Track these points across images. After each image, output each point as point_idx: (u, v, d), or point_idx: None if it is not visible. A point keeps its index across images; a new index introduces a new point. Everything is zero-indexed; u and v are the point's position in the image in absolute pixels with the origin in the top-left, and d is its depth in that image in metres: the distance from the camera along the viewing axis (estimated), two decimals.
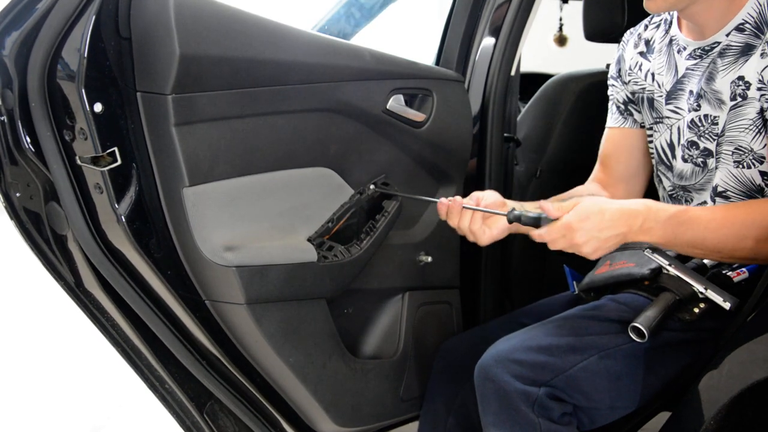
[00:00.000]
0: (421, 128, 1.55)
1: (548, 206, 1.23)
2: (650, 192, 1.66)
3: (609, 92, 1.60)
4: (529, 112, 2.15)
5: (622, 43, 1.57)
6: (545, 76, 2.31)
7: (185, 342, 1.34)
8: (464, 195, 1.73)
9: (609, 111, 1.60)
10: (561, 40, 2.30)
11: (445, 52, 1.78)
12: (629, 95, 1.54)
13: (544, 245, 1.28)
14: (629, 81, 1.53)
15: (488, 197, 1.37)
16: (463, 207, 1.34)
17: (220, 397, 1.40)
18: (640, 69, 1.50)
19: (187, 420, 1.44)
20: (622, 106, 1.56)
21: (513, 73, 1.83)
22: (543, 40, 2.28)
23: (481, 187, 1.80)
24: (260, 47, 1.25)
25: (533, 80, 2.36)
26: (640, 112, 1.53)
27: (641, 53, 1.51)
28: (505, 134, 1.86)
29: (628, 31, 1.57)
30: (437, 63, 1.79)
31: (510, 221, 1.28)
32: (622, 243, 1.22)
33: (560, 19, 2.29)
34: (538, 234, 1.24)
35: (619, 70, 1.56)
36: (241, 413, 1.42)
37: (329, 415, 1.41)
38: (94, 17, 1.10)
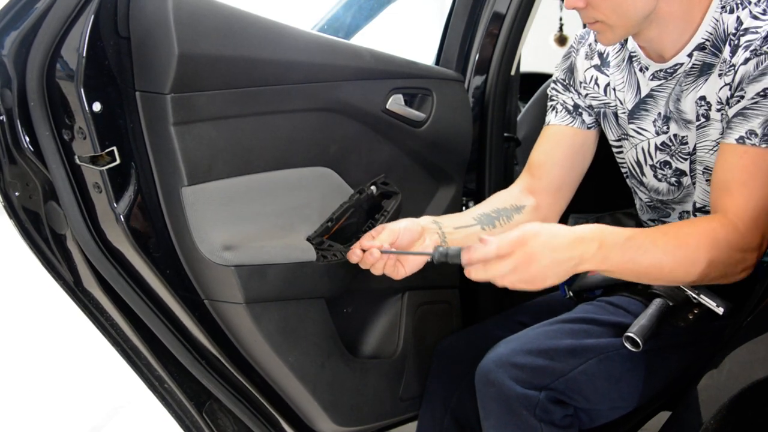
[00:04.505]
0: (420, 128, 1.55)
1: (490, 238, 1.13)
2: (619, 202, 1.66)
3: (552, 95, 1.52)
4: (529, 112, 2.15)
5: (571, 48, 1.51)
6: (545, 76, 2.32)
7: (184, 341, 1.34)
8: (464, 195, 1.74)
9: (551, 111, 1.51)
10: (561, 40, 2.29)
11: (445, 52, 1.78)
12: (585, 107, 1.48)
13: None
14: (586, 95, 1.47)
15: (404, 231, 1.27)
16: (383, 252, 1.24)
17: (219, 397, 1.40)
18: (596, 83, 1.45)
19: (186, 419, 1.44)
20: (571, 108, 1.49)
21: (513, 73, 1.83)
22: (543, 40, 2.28)
23: (482, 187, 1.80)
24: (259, 47, 1.25)
25: (533, 80, 2.36)
26: (591, 116, 1.48)
27: (596, 66, 1.46)
28: (505, 134, 1.86)
29: (576, 37, 1.51)
30: (437, 63, 1.79)
31: (436, 262, 1.18)
32: (574, 271, 1.13)
33: (560, 19, 2.29)
34: (479, 256, 1.11)
35: (572, 79, 1.49)
36: (240, 413, 1.42)
37: (328, 414, 1.41)
38: (92, 17, 1.10)
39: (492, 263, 1.11)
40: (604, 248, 1.12)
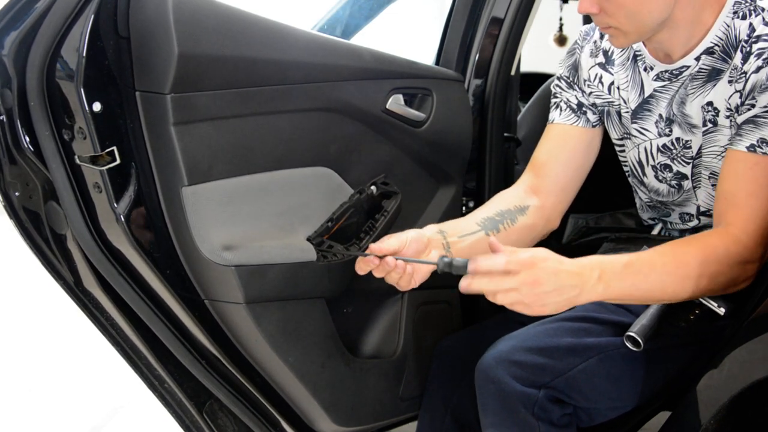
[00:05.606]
0: (420, 128, 1.55)
1: (500, 246, 1.11)
2: (619, 201, 1.65)
3: (556, 92, 1.51)
4: (529, 112, 2.15)
5: (575, 45, 1.50)
6: (545, 76, 2.32)
7: (184, 341, 1.34)
8: (464, 195, 1.74)
9: (555, 109, 1.50)
10: (561, 40, 2.30)
11: (445, 51, 1.78)
12: (589, 105, 1.47)
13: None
14: (590, 93, 1.47)
15: (412, 241, 1.25)
16: (392, 259, 1.21)
17: (219, 397, 1.40)
18: (601, 81, 1.45)
19: (186, 419, 1.44)
20: (575, 107, 1.48)
21: (513, 73, 1.83)
22: (543, 40, 2.28)
23: (482, 187, 1.80)
24: (259, 46, 1.25)
25: (533, 80, 2.36)
26: (595, 114, 1.48)
27: (600, 64, 1.45)
28: (505, 134, 1.85)
29: (581, 34, 1.51)
30: (437, 63, 1.79)
31: (440, 271, 1.16)
32: (574, 302, 1.11)
33: (560, 19, 2.29)
34: (486, 268, 1.09)
35: (576, 77, 1.49)
36: (241, 413, 1.42)
37: (328, 414, 1.41)
38: (92, 16, 1.11)
39: (497, 277, 1.09)
40: (604, 277, 1.12)
